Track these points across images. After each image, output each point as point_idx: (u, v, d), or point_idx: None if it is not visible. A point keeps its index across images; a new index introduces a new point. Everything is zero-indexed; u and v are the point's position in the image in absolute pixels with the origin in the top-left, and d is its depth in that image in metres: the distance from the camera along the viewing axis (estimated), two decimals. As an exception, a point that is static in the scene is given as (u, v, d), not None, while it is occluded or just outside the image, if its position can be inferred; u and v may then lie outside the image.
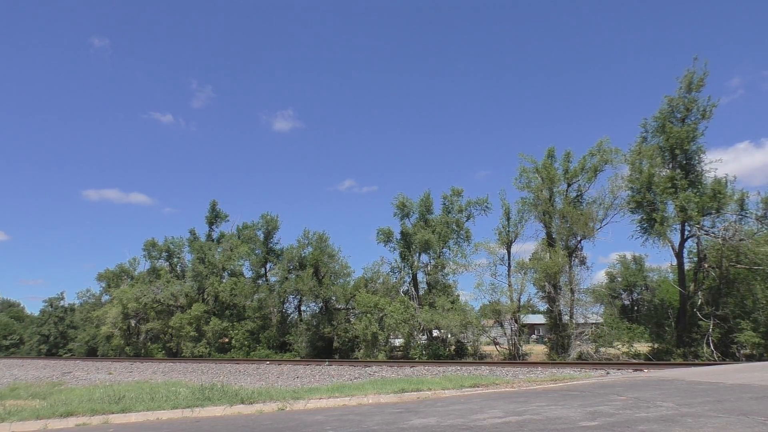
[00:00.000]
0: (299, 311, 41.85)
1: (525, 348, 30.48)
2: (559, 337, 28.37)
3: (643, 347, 27.47)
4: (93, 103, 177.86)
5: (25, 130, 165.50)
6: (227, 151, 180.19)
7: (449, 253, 36.58)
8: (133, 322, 48.68)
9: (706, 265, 25.55)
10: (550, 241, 30.00)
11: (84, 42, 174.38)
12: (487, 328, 32.49)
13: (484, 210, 36.80)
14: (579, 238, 29.37)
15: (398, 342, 35.75)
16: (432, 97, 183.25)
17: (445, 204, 38.00)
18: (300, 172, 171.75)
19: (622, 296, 45.67)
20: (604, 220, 28.74)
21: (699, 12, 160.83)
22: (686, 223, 25.13)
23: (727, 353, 23.04)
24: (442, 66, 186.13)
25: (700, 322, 24.26)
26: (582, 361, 25.35)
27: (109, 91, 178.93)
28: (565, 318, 28.72)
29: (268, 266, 45.99)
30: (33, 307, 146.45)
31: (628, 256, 46.03)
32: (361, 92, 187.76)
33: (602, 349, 27.35)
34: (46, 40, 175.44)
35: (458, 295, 37.00)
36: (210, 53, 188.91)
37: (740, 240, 24.22)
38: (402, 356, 32.52)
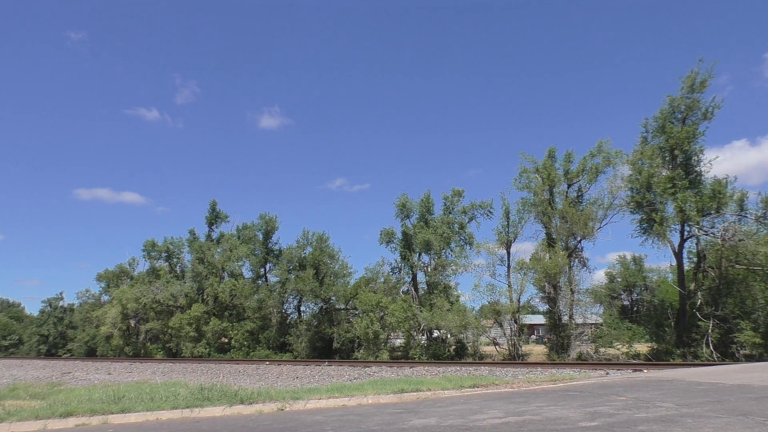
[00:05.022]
0: (299, 311, 41.86)
1: (525, 348, 30.48)
2: (558, 338, 28.37)
3: (642, 347, 27.46)
4: (75, 99, 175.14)
5: (11, 129, 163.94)
6: (216, 149, 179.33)
7: (451, 255, 36.56)
8: (132, 323, 48.65)
9: (705, 266, 25.54)
10: (550, 242, 29.99)
11: (60, 36, 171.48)
12: (486, 329, 32.49)
13: (487, 213, 36.79)
14: (579, 239, 29.36)
15: (398, 342, 35.76)
16: (426, 95, 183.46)
17: (445, 204, 37.97)
18: (290, 170, 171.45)
19: (622, 296, 45.68)
20: (603, 220, 28.76)
21: (689, 10, 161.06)
22: (686, 224, 25.10)
23: (726, 353, 23.01)
24: (433, 64, 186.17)
25: (700, 323, 24.23)
26: (582, 361, 25.35)
27: (90, 86, 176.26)
28: (565, 318, 28.72)
29: (267, 266, 45.99)
30: (30, 307, 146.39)
31: (628, 256, 46.07)
32: (349, 89, 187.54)
33: (602, 350, 27.36)
34: (20, 35, 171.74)
35: (458, 296, 37.01)
36: (193, 47, 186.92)
37: (740, 240, 24.18)
38: (402, 356, 32.50)
